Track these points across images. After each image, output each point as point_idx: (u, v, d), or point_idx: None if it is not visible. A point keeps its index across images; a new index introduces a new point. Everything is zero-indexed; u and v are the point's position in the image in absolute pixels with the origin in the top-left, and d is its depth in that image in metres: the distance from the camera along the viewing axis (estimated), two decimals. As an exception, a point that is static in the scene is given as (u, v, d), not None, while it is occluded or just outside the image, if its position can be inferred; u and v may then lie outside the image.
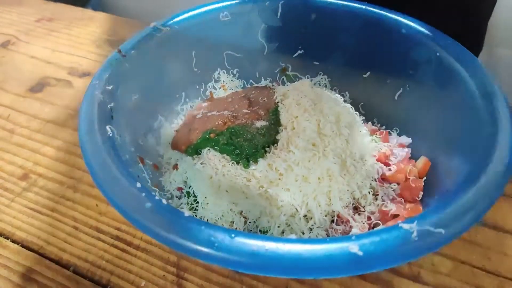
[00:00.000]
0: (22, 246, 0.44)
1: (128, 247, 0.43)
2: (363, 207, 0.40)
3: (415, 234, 0.26)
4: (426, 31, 0.46)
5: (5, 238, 0.44)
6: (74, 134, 0.57)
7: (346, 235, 0.29)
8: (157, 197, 0.30)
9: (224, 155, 0.42)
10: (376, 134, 0.50)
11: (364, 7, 0.50)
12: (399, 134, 0.50)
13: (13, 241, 0.44)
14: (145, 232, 0.28)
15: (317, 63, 0.56)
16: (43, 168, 0.52)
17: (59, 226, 0.45)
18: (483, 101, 0.38)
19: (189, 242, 0.27)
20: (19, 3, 0.89)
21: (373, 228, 0.39)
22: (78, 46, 0.75)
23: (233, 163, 0.41)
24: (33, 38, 0.77)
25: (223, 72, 0.56)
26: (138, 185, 0.31)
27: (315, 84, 0.56)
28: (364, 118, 0.53)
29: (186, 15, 0.50)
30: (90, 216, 0.46)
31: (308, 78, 0.57)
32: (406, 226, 0.27)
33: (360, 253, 0.26)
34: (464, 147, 0.38)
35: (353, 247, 0.26)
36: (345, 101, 0.54)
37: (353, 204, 0.40)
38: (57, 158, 0.53)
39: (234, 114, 0.43)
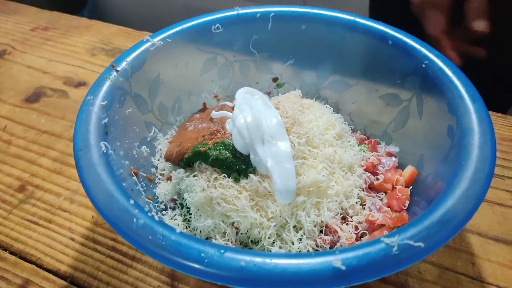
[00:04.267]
0: (20, 257, 0.45)
1: (124, 258, 0.44)
2: (351, 217, 0.41)
3: (395, 248, 0.28)
4: (412, 43, 0.47)
5: (3, 249, 0.46)
6: (70, 145, 0.58)
7: (330, 250, 0.30)
8: (150, 214, 0.32)
9: (216, 168, 0.43)
10: (365, 143, 0.51)
11: (352, 18, 0.52)
12: (388, 143, 0.51)
13: (11, 253, 0.45)
14: (138, 248, 0.30)
15: (307, 72, 0.57)
16: (39, 179, 0.53)
17: (56, 237, 0.47)
18: (465, 111, 0.39)
19: (180, 259, 0.28)
20: (14, 12, 0.90)
21: (360, 237, 0.41)
22: (73, 55, 0.76)
23: (224, 176, 0.42)
24: (29, 47, 0.78)
25: (216, 82, 0.57)
26: (132, 202, 0.32)
27: (305, 93, 0.57)
28: (353, 127, 0.54)
29: (178, 28, 0.51)
30: (86, 227, 0.47)
31: (298, 87, 0.58)
32: (387, 240, 0.28)
33: (343, 267, 0.27)
34: (446, 157, 0.39)
35: (336, 261, 0.27)
36: (334, 110, 0.55)
37: (341, 214, 0.41)
38: (54, 169, 0.54)
39: (222, 128, 0.44)
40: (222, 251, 0.28)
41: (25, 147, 0.58)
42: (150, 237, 0.29)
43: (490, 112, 0.60)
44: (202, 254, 0.28)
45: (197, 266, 0.28)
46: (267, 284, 0.27)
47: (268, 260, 0.27)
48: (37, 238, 0.47)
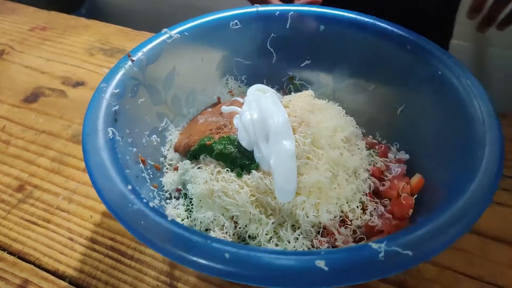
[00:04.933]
0: (19, 257, 0.46)
1: (122, 258, 0.45)
2: (351, 220, 0.41)
3: (382, 254, 0.27)
4: (430, 49, 0.46)
5: (1, 250, 0.47)
6: (68, 144, 0.59)
7: (316, 250, 0.30)
8: (153, 201, 0.33)
9: (220, 162, 0.43)
10: (375, 148, 0.50)
11: (372, 21, 0.51)
12: (399, 150, 0.50)
13: (10, 253, 0.46)
14: (130, 232, 0.31)
15: (324, 73, 0.57)
16: (38, 179, 0.54)
17: (55, 237, 0.47)
18: (478, 123, 0.38)
19: (168, 245, 0.29)
20: (12, 12, 0.91)
21: (358, 242, 0.40)
22: (72, 55, 0.77)
23: (227, 170, 0.42)
24: (27, 47, 0.79)
25: (231, 78, 0.58)
26: (129, 187, 0.33)
27: (320, 94, 0.57)
28: (365, 131, 0.54)
29: (196, 22, 0.52)
30: (85, 227, 0.48)
31: (314, 88, 0.58)
32: (375, 245, 0.28)
33: (326, 268, 0.27)
34: (454, 169, 0.38)
35: (320, 262, 0.27)
36: (348, 113, 0.55)
37: (341, 217, 0.41)
38: (52, 169, 0.55)
39: (229, 123, 0.45)
40: (209, 241, 0.29)
41: (23, 147, 0.59)
42: (142, 222, 0.30)
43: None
44: (190, 243, 0.29)
45: (184, 254, 0.28)
46: (247, 277, 0.27)
47: (252, 253, 0.28)
48: (36, 238, 0.47)
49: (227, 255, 0.28)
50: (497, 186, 0.32)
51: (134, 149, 0.43)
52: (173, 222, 0.30)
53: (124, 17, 1.66)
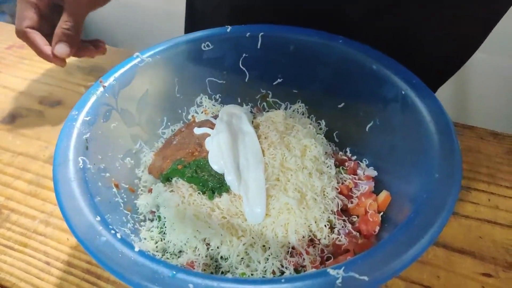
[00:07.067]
0: (-5, 284, 0.46)
1: (98, 281, 0.45)
2: (319, 240, 0.42)
3: (340, 280, 0.29)
4: (394, 69, 0.48)
5: (-23, 276, 0.46)
6: (45, 166, 0.59)
7: (276, 278, 0.31)
8: (126, 226, 0.33)
9: (192, 184, 0.44)
10: (345, 165, 0.52)
11: (339, 41, 0.52)
12: (368, 166, 0.52)
13: (-14, 279, 0.46)
14: (99, 264, 0.31)
15: (296, 91, 0.58)
16: (15, 203, 0.54)
17: (32, 261, 0.47)
18: (435, 141, 0.40)
19: (135, 277, 0.30)
20: (-11, 30, 0.88)
21: (326, 261, 0.42)
22: (50, 74, 0.76)
23: (199, 193, 0.43)
24: (4, 66, 0.78)
25: (206, 97, 0.59)
26: (98, 218, 0.34)
27: (293, 111, 0.58)
28: (337, 148, 0.55)
29: (168, 45, 0.53)
30: (61, 250, 0.48)
31: (287, 104, 0.59)
32: (333, 272, 0.29)
33: (286, 297, 0.28)
34: (415, 186, 0.40)
35: (280, 290, 0.28)
36: (320, 129, 0.56)
37: (309, 236, 0.42)
38: (29, 192, 0.55)
39: (201, 146, 0.46)
40: (174, 272, 0.30)
41: (0, 170, 0.59)
42: (110, 254, 0.31)
43: (459, 123, 0.60)
44: (155, 275, 0.30)
45: (150, 285, 0.29)
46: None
47: (215, 284, 0.29)
48: (12, 263, 0.47)
49: (191, 286, 0.29)
50: (452, 209, 0.34)
51: (107, 174, 0.44)
52: (140, 253, 0.31)
53: (115, 34, 1.64)
